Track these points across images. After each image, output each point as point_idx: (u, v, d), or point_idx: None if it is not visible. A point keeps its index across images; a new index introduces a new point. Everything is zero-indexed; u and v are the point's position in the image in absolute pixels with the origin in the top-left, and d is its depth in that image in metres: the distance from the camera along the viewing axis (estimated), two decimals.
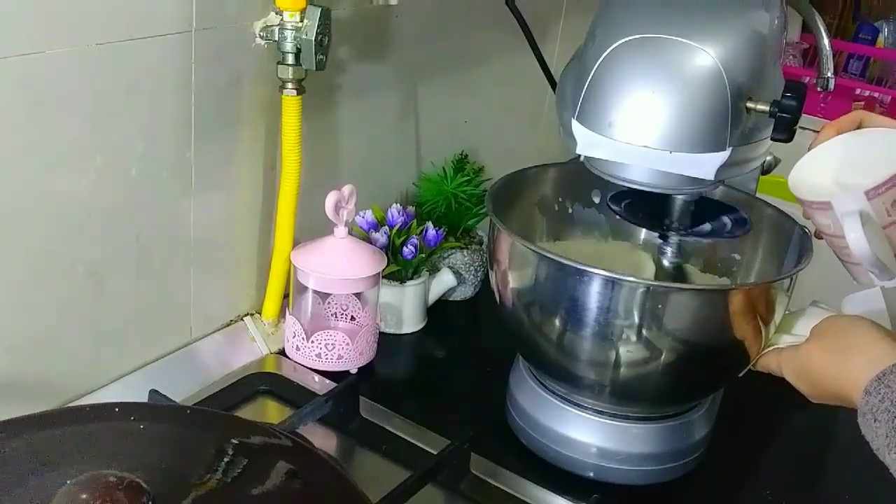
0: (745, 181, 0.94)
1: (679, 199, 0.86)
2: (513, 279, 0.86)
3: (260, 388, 0.95)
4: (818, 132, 0.80)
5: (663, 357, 0.80)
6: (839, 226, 0.73)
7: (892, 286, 0.77)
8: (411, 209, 1.12)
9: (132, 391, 0.88)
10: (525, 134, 1.47)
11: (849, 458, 0.98)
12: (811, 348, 0.77)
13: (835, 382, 0.72)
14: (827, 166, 0.77)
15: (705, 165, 0.75)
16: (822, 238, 0.80)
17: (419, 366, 1.09)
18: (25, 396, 0.81)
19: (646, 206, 0.90)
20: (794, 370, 0.78)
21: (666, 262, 0.91)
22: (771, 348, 0.82)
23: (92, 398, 0.86)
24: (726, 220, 0.90)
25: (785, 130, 0.74)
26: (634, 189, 0.89)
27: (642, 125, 0.74)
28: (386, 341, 1.06)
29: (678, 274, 0.93)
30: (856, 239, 0.71)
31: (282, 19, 0.88)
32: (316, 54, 0.89)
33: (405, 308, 1.09)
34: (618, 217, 0.90)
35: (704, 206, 0.89)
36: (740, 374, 0.85)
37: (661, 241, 0.90)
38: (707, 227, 0.89)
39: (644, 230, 1.01)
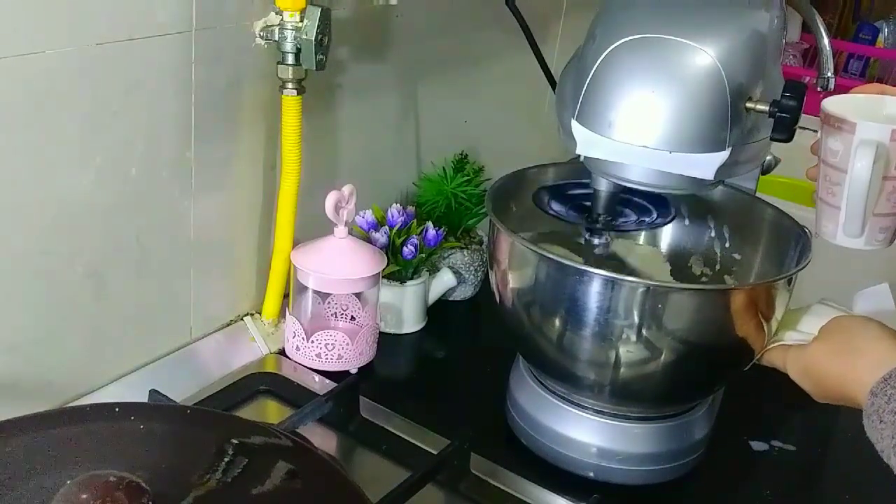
0: (744, 181, 0.94)
1: (602, 191, 0.85)
2: (513, 279, 0.86)
3: (260, 388, 0.95)
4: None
5: (663, 357, 0.80)
6: (847, 154, 0.72)
7: (850, 245, 0.77)
8: (411, 209, 1.12)
9: (132, 391, 0.88)
10: (525, 134, 1.47)
11: (849, 458, 0.98)
12: (818, 347, 0.76)
13: (840, 383, 0.72)
14: (860, 104, 0.77)
15: (705, 165, 0.75)
16: (814, 172, 0.79)
17: (419, 366, 1.09)
18: (25, 396, 0.81)
19: (571, 200, 0.90)
20: (799, 369, 0.78)
21: (597, 253, 0.90)
22: (776, 344, 0.82)
23: (92, 398, 0.86)
24: (652, 209, 0.91)
25: (785, 130, 0.74)
26: (560, 183, 0.90)
27: (642, 125, 0.74)
28: (386, 341, 1.06)
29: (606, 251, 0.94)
30: (861, 167, 0.70)
31: (282, 19, 0.88)
32: (316, 54, 0.89)
33: (405, 308, 1.09)
34: (543, 212, 0.90)
35: (630, 196, 0.90)
36: (745, 368, 0.85)
37: (587, 234, 0.90)
38: (633, 217, 0.90)
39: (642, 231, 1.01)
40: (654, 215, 0.90)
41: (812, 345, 0.77)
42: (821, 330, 0.78)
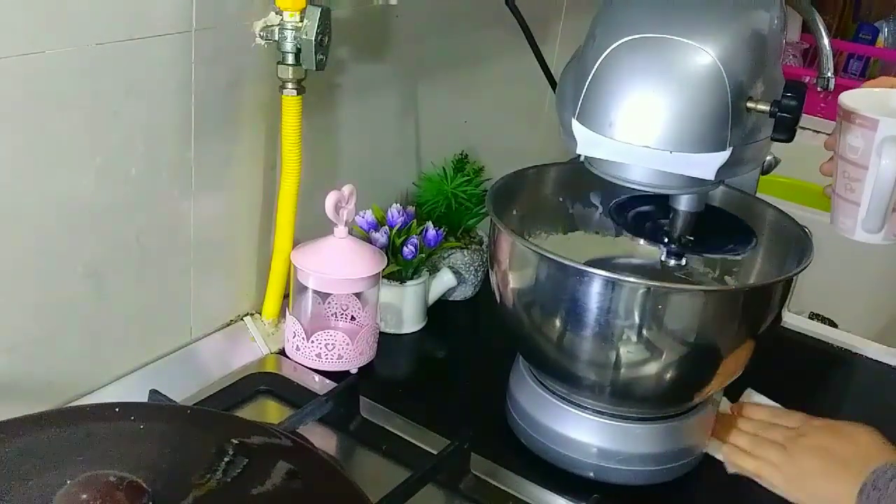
0: (744, 181, 0.94)
1: (682, 211, 0.85)
2: (513, 279, 0.86)
3: (260, 388, 0.95)
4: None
5: (663, 357, 0.80)
6: (868, 150, 0.72)
7: (867, 240, 0.77)
8: (411, 209, 1.12)
9: (132, 391, 0.88)
10: (525, 134, 1.47)
11: None
12: (801, 460, 0.85)
13: (830, 496, 0.81)
14: (882, 101, 0.77)
15: (706, 165, 0.75)
16: (829, 167, 0.79)
17: (419, 366, 1.09)
18: (25, 396, 0.81)
19: (648, 217, 0.90)
20: (784, 483, 0.85)
21: (675, 276, 0.90)
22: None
23: (92, 398, 0.86)
24: (731, 232, 0.90)
25: (785, 130, 0.74)
26: (636, 197, 0.89)
27: (643, 125, 0.74)
28: (386, 341, 1.06)
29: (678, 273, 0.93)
30: (887, 166, 0.70)
31: (282, 19, 0.88)
32: (316, 54, 0.89)
33: (405, 308, 1.09)
34: (621, 227, 0.90)
35: (709, 216, 0.89)
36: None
37: (664, 254, 0.89)
38: (711, 240, 0.89)
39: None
40: (735, 240, 0.89)
41: (795, 457, 0.85)
42: (799, 437, 0.87)
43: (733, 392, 0.97)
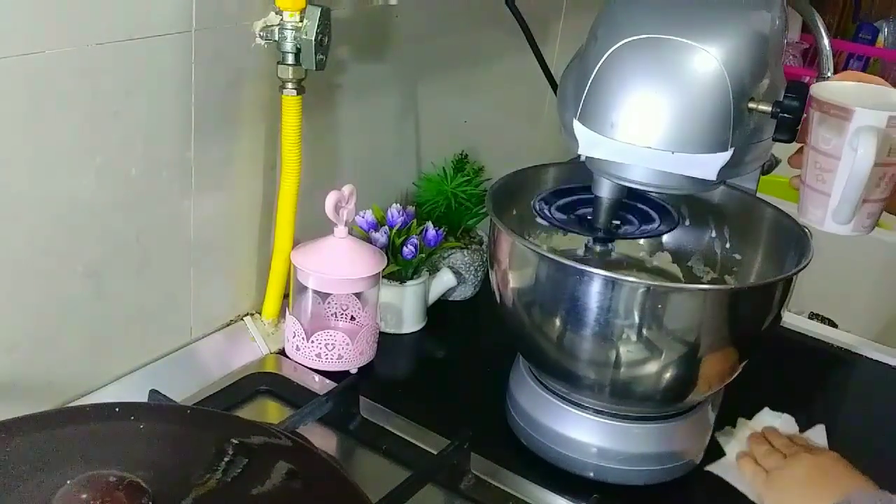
0: (744, 181, 0.94)
1: (604, 198, 0.85)
2: (513, 279, 0.86)
3: (260, 388, 0.95)
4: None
5: (663, 357, 0.80)
6: (841, 141, 0.72)
7: (836, 231, 0.77)
8: (411, 209, 1.12)
9: (132, 391, 0.88)
10: (525, 134, 1.47)
11: (849, 458, 0.98)
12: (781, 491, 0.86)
13: None
14: (851, 90, 0.77)
15: (707, 166, 0.75)
16: (797, 160, 0.80)
17: (419, 366, 1.09)
18: (25, 396, 0.81)
19: (573, 208, 0.90)
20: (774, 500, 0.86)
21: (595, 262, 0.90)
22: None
23: (92, 398, 0.86)
24: (654, 215, 0.91)
25: (787, 131, 0.74)
26: (559, 189, 0.90)
27: (644, 125, 0.74)
28: (386, 341, 1.06)
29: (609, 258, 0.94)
30: (864, 155, 0.70)
31: (282, 19, 0.88)
32: (316, 54, 0.89)
33: (405, 308, 1.09)
34: (547, 221, 0.90)
35: (633, 203, 0.90)
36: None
37: (590, 242, 0.89)
38: (635, 225, 0.90)
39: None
40: (657, 222, 0.90)
41: (776, 476, 0.86)
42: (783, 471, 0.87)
43: (749, 409, 0.98)
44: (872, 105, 0.73)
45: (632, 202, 0.90)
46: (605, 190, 0.85)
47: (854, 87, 0.78)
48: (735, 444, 0.94)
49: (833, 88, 0.77)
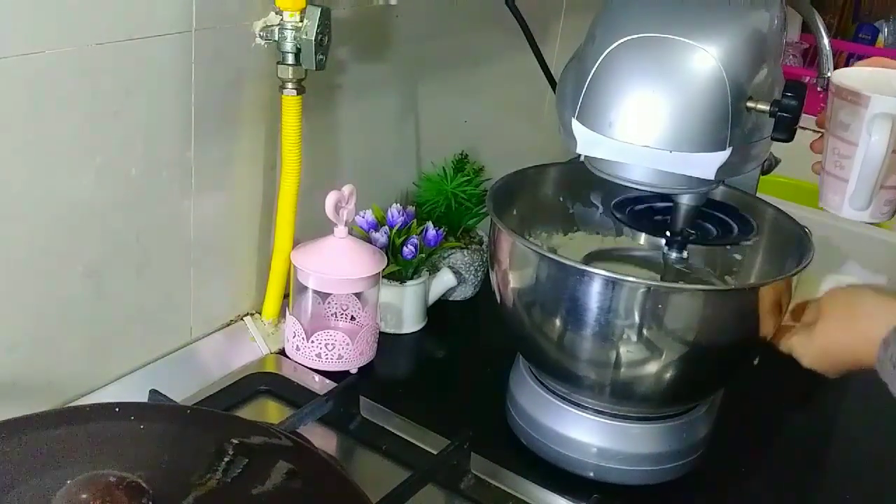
0: (745, 181, 0.94)
1: (683, 205, 0.85)
2: (513, 279, 0.86)
3: (260, 388, 0.95)
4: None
5: (664, 357, 0.80)
6: (859, 127, 0.72)
7: (855, 217, 0.77)
8: (411, 209, 1.12)
9: (132, 391, 0.88)
10: (525, 134, 1.47)
11: (849, 458, 0.98)
12: (824, 327, 0.80)
13: (853, 349, 0.77)
14: (873, 76, 0.77)
15: (705, 165, 0.75)
16: (819, 145, 0.79)
17: (419, 366, 1.09)
18: (25, 396, 0.81)
19: (649, 212, 0.90)
20: (811, 354, 0.81)
21: (678, 269, 0.89)
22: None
23: (92, 398, 0.86)
24: (731, 224, 0.90)
25: (785, 130, 0.74)
26: (636, 194, 0.89)
27: (642, 125, 0.74)
28: (386, 341, 1.06)
29: (679, 273, 0.93)
30: (877, 142, 0.70)
31: (282, 19, 0.88)
32: (316, 54, 0.89)
33: (405, 308, 1.09)
34: (621, 223, 0.90)
35: (709, 210, 0.89)
36: (754, 363, 0.86)
37: (665, 247, 0.89)
38: (712, 232, 0.89)
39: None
40: (736, 231, 0.89)
41: (817, 327, 0.80)
42: (820, 310, 0.81)
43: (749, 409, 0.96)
44: (893, 92, 0.73)
45: (712, 211, 0.89)
46: (683, 197, 0.84)
47: (876, 73, 0.78)
48: None
49: (853, 75, 0.77)
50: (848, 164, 0.74)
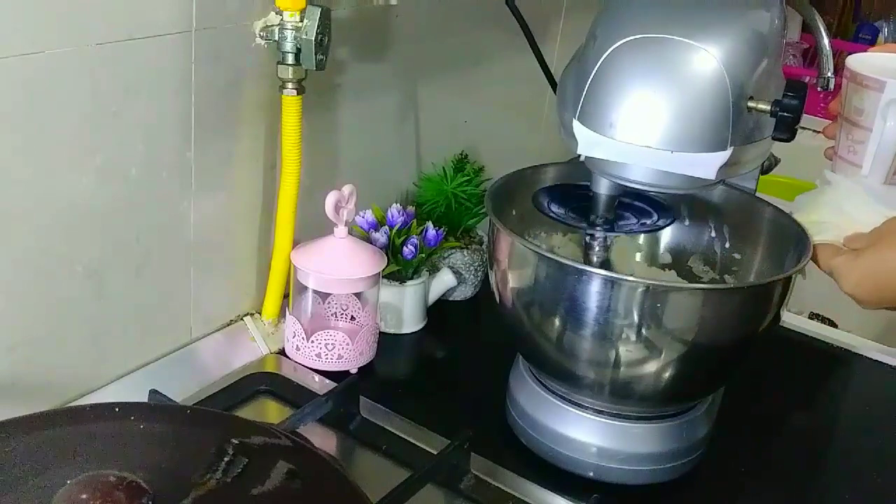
0: (744, 181, 0.94)
1: (603, 194, 0.85)
2: (513, 279, 0.86)
3: (260, 388, 0.95)
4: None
5: (663, 357, 0.80)
6: (873, 112, 0.72)
7: (873, 192, 0.76)
8: (411, 209, 1.12)
9: (132, 391, 0.88)
10: (525, 134, 1.47)
11: (849, 458, 0.98)
12: (878, 249, 0.74)
13: None
14: (882, 63, 0.76)
15: (706, 165, 0.75)
16: (831, 130, 0.77)
17: (419, 366, 1.09)
18: (25, 396, 0.81)
19: (571, 201, 0.90)
20: (855, 276, 0.75)
21: (594, 258, 0.89)
22: (819, 242, 0.79)
23: (92, 398, 0.86)
24: (652, 212, 0.91)
25: (786, 130, 0.74)
26: (558, 185, 0.90)
27: (643, 125, 0.74)
28: (386, 341, 1.06)
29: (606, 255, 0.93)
30: (893, 127, 0.70)
31: (282, 19, 0.88)
32: (316, 54, 0.89)
33: (405, 308, 1.09)
34: (543, 214, 0.90)
35: (630, 199, 0.90)
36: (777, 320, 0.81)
37: (587, 237, 0.89)
38: (632, 220, 0.90)
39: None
40: (655, 217, 0.90)
41: (868, 249, 0.75)
42: (880, 234, 0.75)
43: (749, 409, 0.96)
44: None
45: (629, 199, 0.90)
46: (603, 186, 0.85)
47: (887, 58, 0.78)
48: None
49: (868, 60, 0.77)
50: (861, 150, 0.74)
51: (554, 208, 0.90)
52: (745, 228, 0.96)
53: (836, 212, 0.80)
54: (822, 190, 0.82)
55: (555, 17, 1.42)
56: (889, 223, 0.76)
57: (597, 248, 0.89)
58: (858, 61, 0.76)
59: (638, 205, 0.91)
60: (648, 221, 0.90)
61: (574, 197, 0.91)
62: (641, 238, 1.02)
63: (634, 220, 0.90)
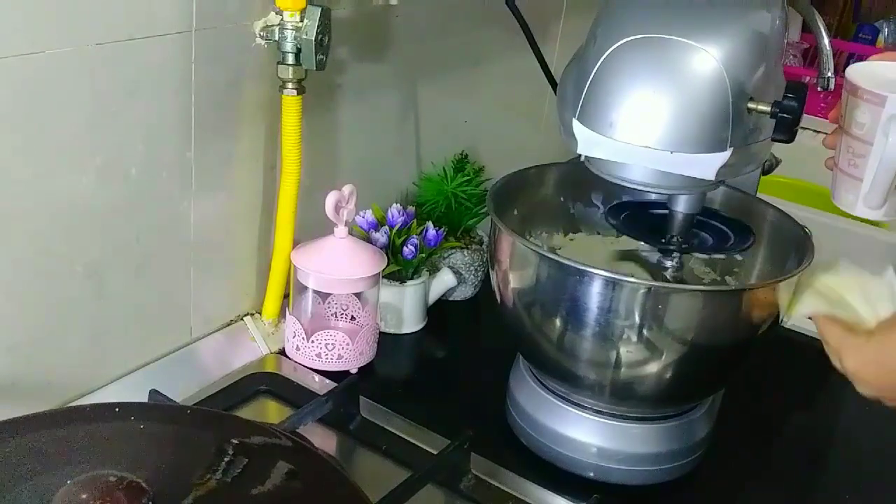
0: (745, 181, 0.94)
1: (680, 212, 0.84)
2: (513, 279, 0.86)
3: (260, 388, 0.95)
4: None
5: (663, 357, 0.80)
6: (874, 127, 0.71)
7: (868, 216, 0.76)
8: (411, 209, 1.12)
9: (132, 391, 0.88)
10: (525, 134, 1.47)
11: (849, 458, 0.98)
12: (889, 341, 0.72)
13: None
14: (882, 72, 0.75)
15: (706, 166, 0.75)
16: (832, 140, 0.77)
17: (419, 366, 1.09)
18: (25, 396, 0.81)
19: (646, 218, 0.90)
20: (861, 360, 0.73)
21: (668, 276, 0.88)
22: (822, 313, 0.78)
23: (92, 398, 0.86)
24: (728, 232, 0.90)
25: (786, 131, 0.74)
26: (634, 199, 0.88)
27: (643, 125, 0.74)
28: (386, 341, 1.06)
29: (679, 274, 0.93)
30: (894, 143, 0.69)
31: (282, 19, 0.88)
32: (316, 54, 0.89)
33: (405, 308, 1.09)
34: (616, 230, 0.90)
35: (707, 217, 0.89)
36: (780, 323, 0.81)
37: (660, 255, 0.89)
38: (709, 241, 0.89)
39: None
40: (732, 240, 0.89)
41: (888, 335, 0.73)
42: (890, 323, 0.74)
43: (749, 409, 0.96)
44: None
45: (708, 220, 0.89)
46: (680, 205, 0.84)
47: (886, 67, 0.76)
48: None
49: (868, 71, 0.75)
50: (862, 164, 0.73)
51: (626, 225, 0.90)
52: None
53: (862, 298, 0.79)
54: (862, 273, 0.81)
55: (555, 17, 1.42)
56: None
57: (670, 267, 0.87)
58: (858, 72, 0.75)
59: (716, 225, 0.90)
60: (727, 244, 0.88)
61: (647, 214, 0.90)
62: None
63: (711, 242, 0.89)
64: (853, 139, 0.73)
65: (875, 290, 0.77)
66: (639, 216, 0.91)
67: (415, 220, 1.10)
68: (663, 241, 0.87)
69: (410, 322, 1.10)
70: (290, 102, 0.91)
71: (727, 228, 0.90)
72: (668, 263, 0.88)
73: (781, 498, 0.91)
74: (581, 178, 0.91)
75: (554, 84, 1.05)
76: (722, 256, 0.96)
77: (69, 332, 0.84)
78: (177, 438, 0.62)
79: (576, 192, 1.00)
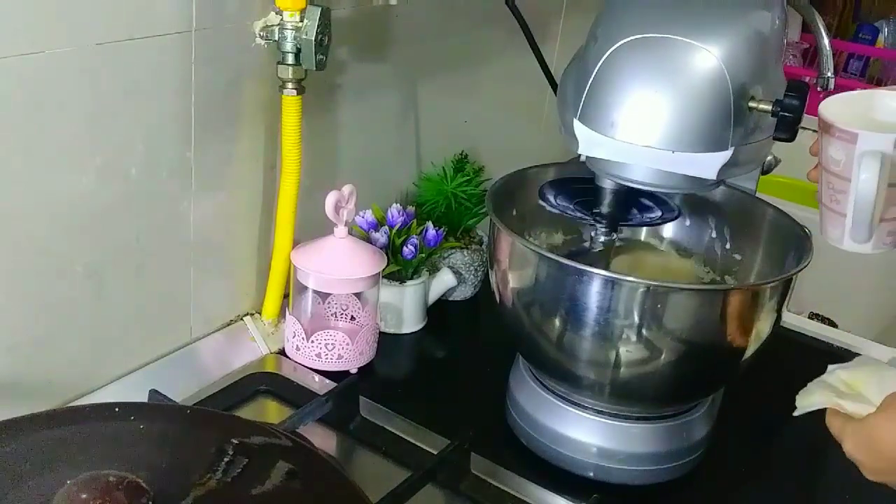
0: (745, 181, 0.94)
1: (608, 190, 0.85)
2: (513, 279, 0.86)
3: (260, 388, 0.95)
4: None
5: (663, 357, 0.80)
6: (850, 163, 0.71)
7: (857, 250, 0.76)
8: (411, 209, 1.12)
9: (132, 391, 0.88)
10: (525, 134, 1.47)
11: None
12: (878, 420, 0.72)
13: None
14: (861, 107, 0.75)
15: (707, 165, 0.75)
16: (815, 174, 0.77)
17: (419, 366, 1.09)
18: (25, 396, 0.81)
19: (576, 196, 0.90)
20: (858, 442, 0.74)
21: (596, 249, 0.90)
22: (832, 406, 0.78)
23: (92, 398, 0.86)
24: (655, 207, 0.91)
25: (787, 130, 0.74)
26: (566, 178, 0.90)
27: (644, 125, 0.74)
28: (386, 341, 1.06)
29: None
30: (867, 180, 0.68)
31: (282, 19, 0.88)
32: (316, 54, 0.89)
33: (405, 308, 1.09)
34: (550, 209, 0.90)
35: (634, 195, 0.90)
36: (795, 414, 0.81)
37: (593, 230, 0.89)
38: (636, 215, 0.90)
39: (645, 228, 1.01)
40: (659, 213, 0.90)
41: (875, 416, 0.72)
42: (886, 400, 0.73)
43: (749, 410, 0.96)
44: (884, 120, 0.72)
45: (635, 194, 0.90)
46: (607, 181, 0.85)
47: (864, 96, 0.76)
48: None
49: (841, 102, 0.75)
50: (843, 199, 0.72)
51: (560, 202, 0.90)
52: (746, 229, 0.96)
53: (877, 389, 0.78)
54: (879, 366, 0.81)
55: (555, 17, 1.42)
56: (891, 395, 0.72)
57: (602, 242, 0.88)
58: (828, 109, 0.74)
59: (642, 201, 0.91)
60: (652, 216, 0.90)
61: (580, 191, 0.91)
62: (643, 234, 1.02)
63: (638, 215, 0.90)
64: (832, 175, 0.73)
65: (891, 381, 0.76)
66: (569, 194, 0.92)
67: (415, 220, 1.10)
68: (593, 216, 0.88)
69: (410, 322, 1.10)
70: (290, 102, 0.91)
71: (653, 203, 0.92)
72: (602, 238, 0.88)
73: (781, 498, 0.91)
74: (584, 174, 0.91)
75: (554, 84, 1.05)
76: (647, 226, 0.99)
77: (69, 332, 0.84)
78: (177, 438, 0.62)
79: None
